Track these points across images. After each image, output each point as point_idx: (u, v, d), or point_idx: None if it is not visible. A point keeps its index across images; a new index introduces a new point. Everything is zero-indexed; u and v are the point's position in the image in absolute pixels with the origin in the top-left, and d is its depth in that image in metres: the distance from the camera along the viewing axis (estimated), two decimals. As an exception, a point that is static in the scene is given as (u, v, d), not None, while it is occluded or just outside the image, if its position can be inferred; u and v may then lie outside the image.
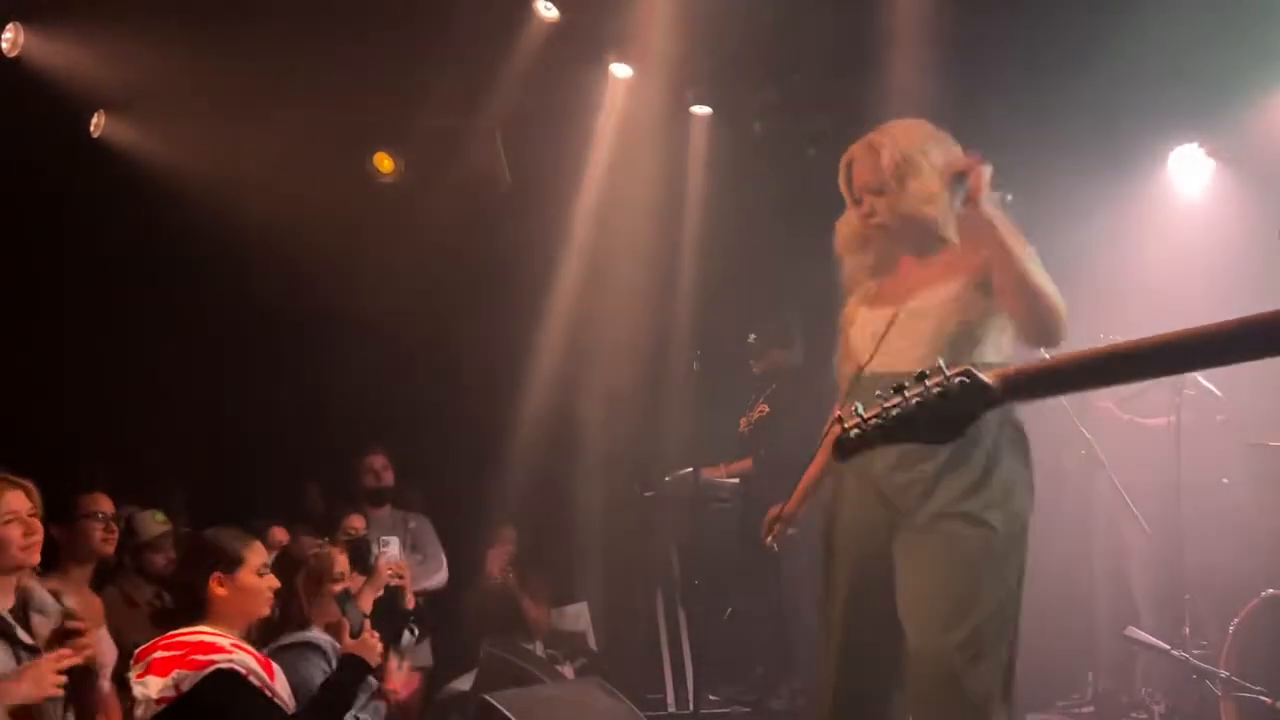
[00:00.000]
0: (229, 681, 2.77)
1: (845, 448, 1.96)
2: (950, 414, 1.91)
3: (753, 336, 6.02)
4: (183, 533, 4.62)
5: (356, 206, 6.43)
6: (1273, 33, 5.02)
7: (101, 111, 5.87)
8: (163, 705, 2.73)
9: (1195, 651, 4.75)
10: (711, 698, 5.75)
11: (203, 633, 2.90)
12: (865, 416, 1.94)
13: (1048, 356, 2.36)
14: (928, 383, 1.91)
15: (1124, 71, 5.25)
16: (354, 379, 6.38)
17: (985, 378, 1.91)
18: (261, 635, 3.43)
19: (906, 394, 1.92)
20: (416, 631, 3.70)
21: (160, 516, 4.54)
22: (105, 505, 3.74)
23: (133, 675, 2.82)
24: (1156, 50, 5.07)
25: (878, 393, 1.94)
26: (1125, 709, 5.28)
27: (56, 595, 3.21)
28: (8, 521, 3.06)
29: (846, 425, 1.95)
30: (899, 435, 1.93)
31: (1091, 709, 5.37)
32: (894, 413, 1.92)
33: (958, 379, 1.90)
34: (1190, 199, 6.03)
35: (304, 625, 3.50)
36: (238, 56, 5.47)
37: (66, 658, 2.82)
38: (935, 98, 4.96)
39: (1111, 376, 2.19)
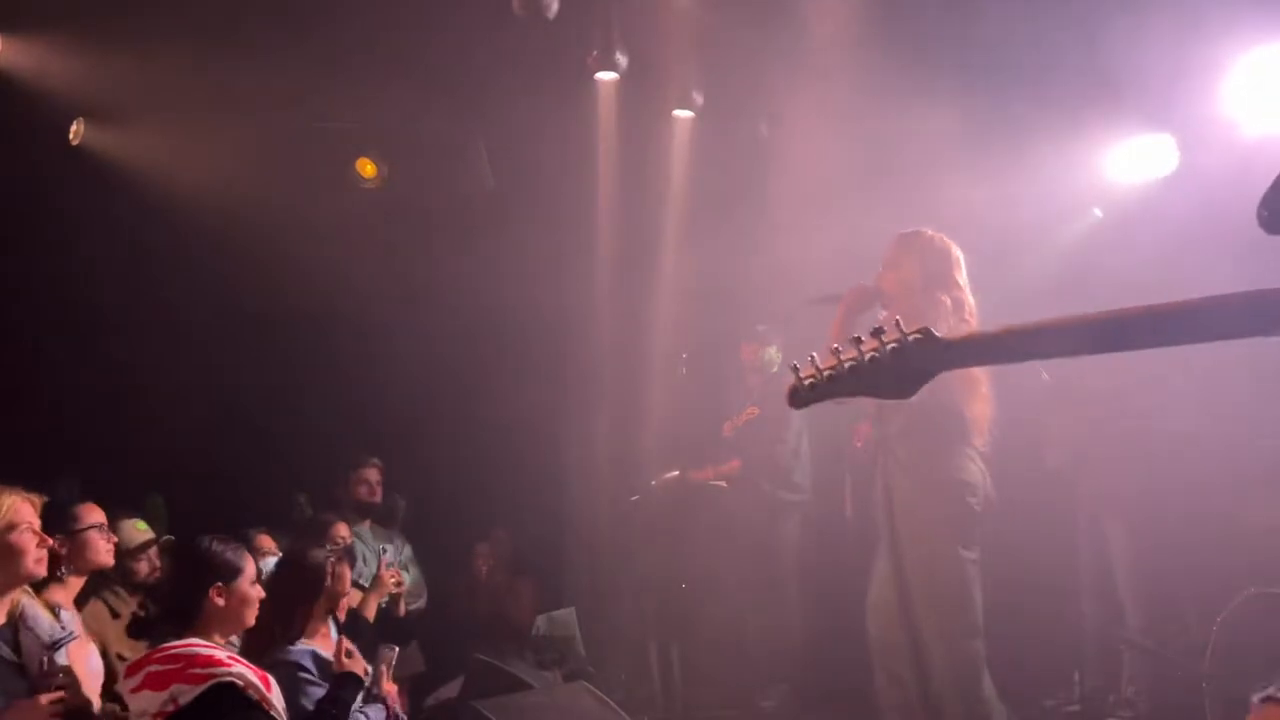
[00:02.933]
0: (228, 695, 2.73)
1: (799, 397, 1.96)
2: (904, 371, 1.92)
3: (762, 327, 6.06)
4: (165, 540, 4.59)
5: (340, 212, 6.40)
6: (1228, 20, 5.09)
7: (80, 119, 5.83)
8: (160, 720, 2.68)
9: (1180, 649, 4.79)
10: (699, 701, 5.76)
11: (197, 645, 2.86)
12: (820, 368, 1.94)
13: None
14: (884, 338, 1.92)
15: (1082, 62, 5.31)
16: (341, 386, 6.36)
17: (942, 338, 1.93)
18: (252, 646, 3.42)
19: (862, 348, 1.93)
20: (395, 649, 3.73)
21: (142, 524, 4.51)
22: (101, 516, 3.73)
23: (125, 689, 2.78)
24: (1116, 40, 5.11)
25: (835, 346, 1.96)
26: (1112, 707, 5.31)
27: (54, 610, 3.19)
28: (24, 530, 3.05)
29: (802, 374, 1.96)
30: (851, 388, 1.94)
31: (1078, 707, 5.39)
32: (848, 365, 1.93)
33: (913, 337, 1.92)
34: (1148, 186, 6.09)
35: (296, 638, 3.48)
36: (219, 63, 5.44)
37: (58, 700, 2.80)
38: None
39: (1069, 345, 2.16)
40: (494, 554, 6.33)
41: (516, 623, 5.98)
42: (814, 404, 1.97)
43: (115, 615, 4.16)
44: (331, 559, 3.68)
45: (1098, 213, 6.32)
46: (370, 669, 3.46)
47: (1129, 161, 6.06)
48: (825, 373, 1.93)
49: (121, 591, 4.29)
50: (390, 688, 3.49)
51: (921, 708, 3.69)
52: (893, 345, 1.92)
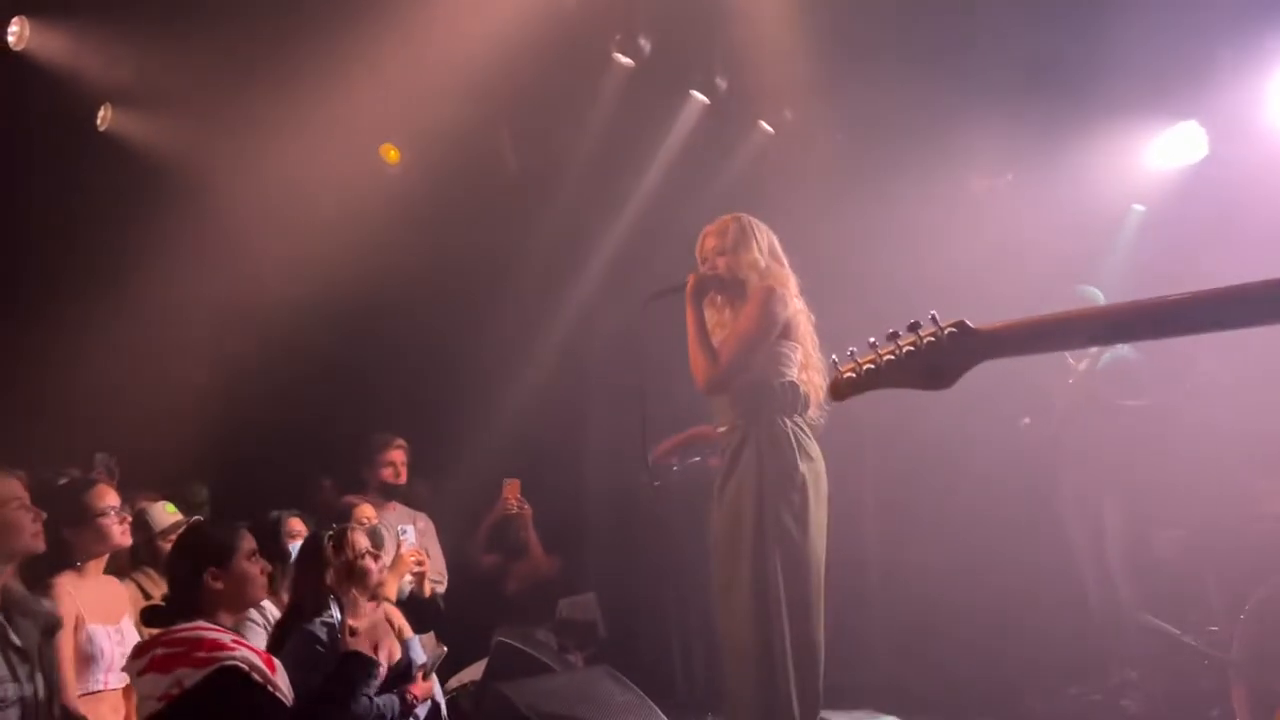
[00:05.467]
0: (232, 679, 2.74)
1: (840, 389, 2.05)
2: (940, 364, 1.97)
3: None
4: (194, 520, 4.62)
5: (364, 196, 6.41)
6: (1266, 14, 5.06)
7: (108, 104, 5.86)
8: (164, 703, 2.69)
9: (1205, 636, 4.77)
10: (721, 686, 5.76)
11: (203, 628, 2.87)
12: (860, 361, 2.02)
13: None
14: (921, 332, 1.98)
15: (1120, 50, 5.26)
16: (365, 370, 6.38)
17: (978, 329, 1.97)
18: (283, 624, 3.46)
19: (900, 342, 1.99)
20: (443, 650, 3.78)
21: (171, 507, 4.54)
22: (114, 499, 3.75)
23: (132, 671, 2.79)
24: (1155, 28, 5.07)
25: (871, 340, 2.04)
26: (1137, 695, 5.28)
27: (36, 597, 3.22)
28: (17, 507, 3.08)
29: (842, 369, 2.04)
30: (889, 380, 2.01)
31: (1100, 697, 5.37)
32: (886, 359, 2.00)
33: (949, 330, 1.97)
34: (1183, 175, 6.03)
35: (317, 612, 3.52)
36: (244, 48, 5.46)
37: None
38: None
39: (1104, 334, 2.22)
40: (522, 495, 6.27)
41: (535, 553, 6.05)
42: (853, 397, 2.06)
43: (148, 597, 4.21)
44: (330, 532, 3.68)
45: (1139, 208, 6.28)
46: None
47: (1162, 150, 6.03)
48: (864, 366, 2.01)
49: (154, 573, 4.33)
50: (416, 690, 3.51)
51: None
52: (929, 339, 1.97)
